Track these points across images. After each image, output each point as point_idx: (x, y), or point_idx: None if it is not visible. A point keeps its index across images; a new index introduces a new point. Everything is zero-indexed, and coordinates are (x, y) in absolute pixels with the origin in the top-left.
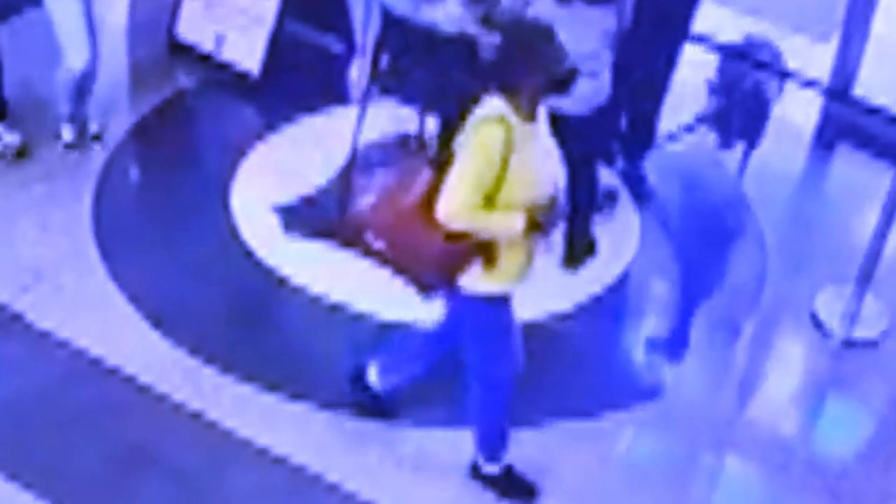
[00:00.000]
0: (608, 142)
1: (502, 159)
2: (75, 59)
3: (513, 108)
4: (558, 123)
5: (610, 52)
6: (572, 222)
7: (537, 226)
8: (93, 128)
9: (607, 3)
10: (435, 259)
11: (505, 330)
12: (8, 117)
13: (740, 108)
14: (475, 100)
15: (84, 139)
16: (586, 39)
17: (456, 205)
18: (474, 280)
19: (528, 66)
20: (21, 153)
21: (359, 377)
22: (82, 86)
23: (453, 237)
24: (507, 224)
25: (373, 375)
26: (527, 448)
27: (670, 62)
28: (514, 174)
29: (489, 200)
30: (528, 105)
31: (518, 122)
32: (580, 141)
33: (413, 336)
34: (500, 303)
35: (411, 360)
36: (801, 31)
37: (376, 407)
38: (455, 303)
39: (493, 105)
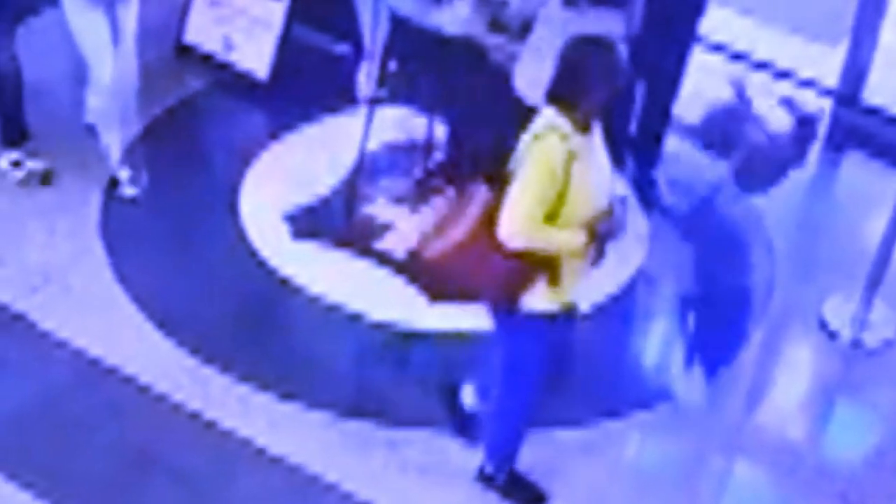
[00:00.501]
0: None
1: (563, 173)
2: (103, 73)
3: (570, 120)
4: None
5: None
6: None
7: (595, 239)
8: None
9: (614, 6)
10: (498, 279)
11: (547, 348)
12: (28, 140)
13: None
14: (522, 117)
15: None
16: None
17: (518, 223)
18: (534, 298)
19: (588, 79)
20: (45, 180)
21: (452, 395)
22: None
23: (516, 255)
24: (568, 239)
25: (468, 397)
26: (535, 452)
27: (679, 66)
28: (574, 188)
29: (549, 216)
30: (584, 118)
31: (575, 135)
32: None
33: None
34: (550, 320)
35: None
36: (810, 37)
37: (464, 427)
38: (506, 321)
39: (550, 118)
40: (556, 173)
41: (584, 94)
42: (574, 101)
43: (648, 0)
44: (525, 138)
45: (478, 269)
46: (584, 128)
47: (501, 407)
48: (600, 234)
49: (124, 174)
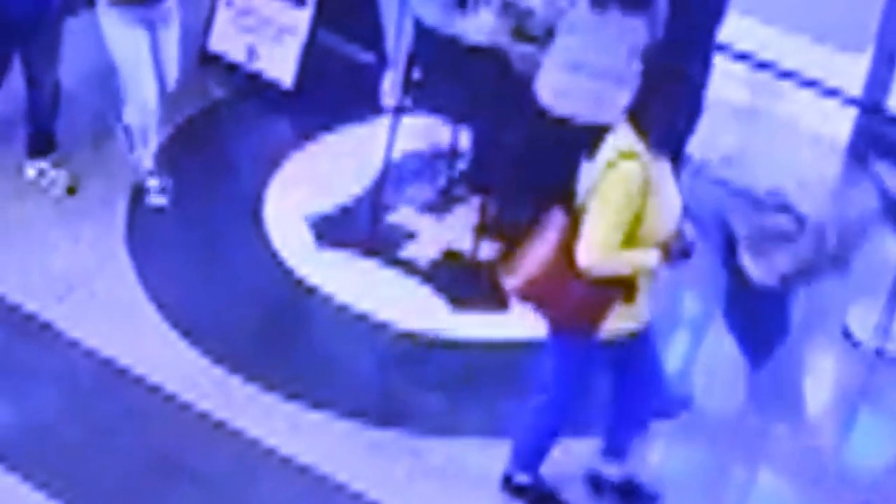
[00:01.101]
0: None
1: (641, 197)
2: (140, 91)
3: (645, 144)
4: (584, 135)
5: (638, 63)
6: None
7: (668, 259)
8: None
9: (641, 12)
10: (580, 306)
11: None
12: (56, 151)
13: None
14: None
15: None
16: (615, 53)
17: (597, 250)
18: (613, 320)
19: (671, 104)
20: (71, 190)
21: (596, 483)
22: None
23: (596, 281)
24: (645, 261)
25: (606, 469)
26: (558, 460)
27: (703, 72)
28: (651, 211)
29: (626, 239)
30: (659, 141)
31: (651, 158)
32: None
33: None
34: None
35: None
36: (835, 45)
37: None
38: (569, 341)
39: (628, 142)
40: (636, 198)
41: (665, 119)
42: (654, 126)
43: (671, 4)
44: (599, 161)
45: (559, 296)
46: (657, 151)
47: (541, 408)
48: (674, 255)
49: (153, 183)
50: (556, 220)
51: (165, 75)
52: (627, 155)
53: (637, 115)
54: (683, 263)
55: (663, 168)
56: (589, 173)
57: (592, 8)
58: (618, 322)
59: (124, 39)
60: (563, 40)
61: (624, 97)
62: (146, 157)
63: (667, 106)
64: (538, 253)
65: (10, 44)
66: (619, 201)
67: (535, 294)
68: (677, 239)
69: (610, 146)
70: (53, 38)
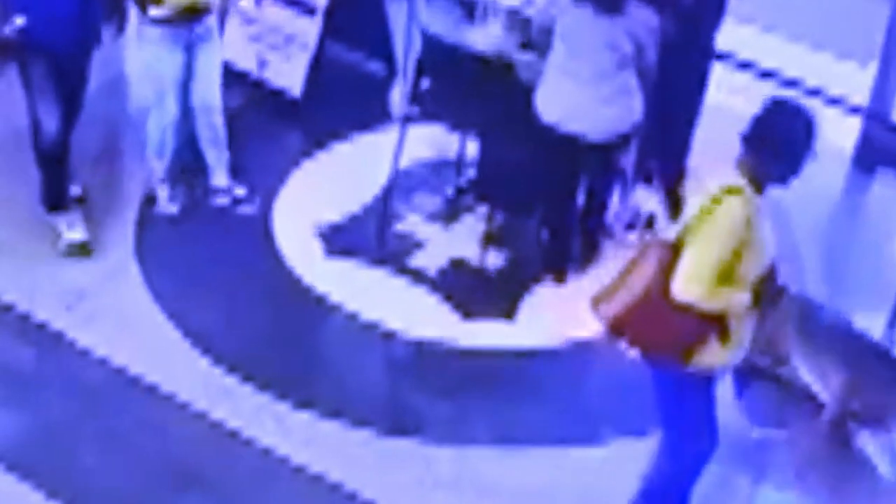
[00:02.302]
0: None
1: (743, 233)
2: (168, 109)
3: (749, 181)
4: (580, 149)
5: (633, 77)
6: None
7: (760, 297)
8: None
9: (615, 14)
10: (676, 336)
11: (711, 405)
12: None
13: None
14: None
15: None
16: (599, 60)
17: (695, 283)
18: (704, 355)
19: (785, 146)
20: (84, 249)
21: None
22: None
23: (691, 313)
24: (738, 300)
25: None
26: (570, 468)
27: (699, 87)
28: (749, 248)
29: (723, 275)
30: (762, 179)
31: (754, 196)
32: (601, 167)
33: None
34: (713, 378)
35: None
36: (840, 55)
37: None
38: (670, 380)
39: (732, 178)
40: (738, 235)
41: (776, 160)
42: (764, 166)
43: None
44: (702, 195)
45: (653, 328)
46: (759, 187)
47: (668, 469)
48: (766, 299)
49: (163, 193)
50: (652, 252)
51: (209, 92)
52: (733, 191)
53: (749, 154)
54: (774, 308)
55: (762, 206)
56: (694, 203)
57: (596, 16)
58: (710, 358)
59: (162, 57)
60: (559, 48)
61: (617, 112)
62: (159, 168)
63: (783, 148)
64: (634, 285)
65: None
66: (722, 237)
67: (629, 325)
68: (770, 280)
69: (718, 179)
70: (83, 71)
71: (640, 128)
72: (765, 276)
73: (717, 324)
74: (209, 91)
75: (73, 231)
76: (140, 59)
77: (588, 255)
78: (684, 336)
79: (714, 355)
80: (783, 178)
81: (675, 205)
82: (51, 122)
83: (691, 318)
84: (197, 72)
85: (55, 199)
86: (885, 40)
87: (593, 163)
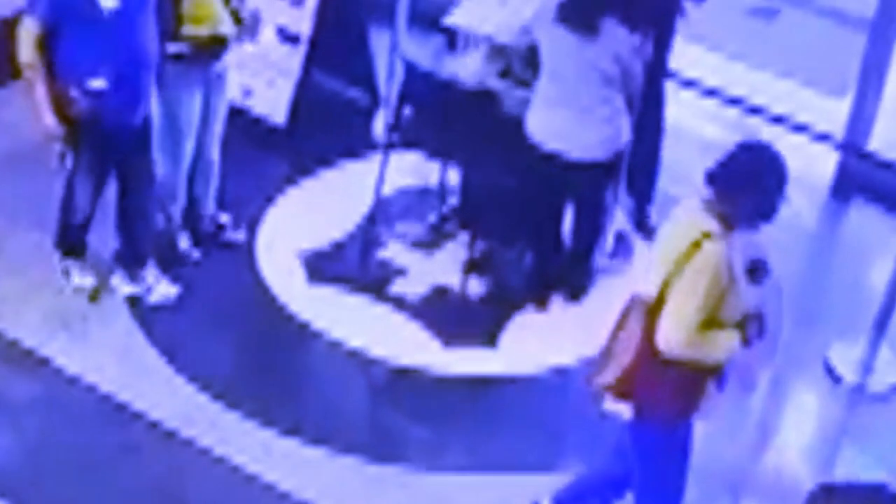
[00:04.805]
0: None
1: (726, 277)
2: (186, 148)
3: (719, 221)
4: (566, 171)
5: (620, 99)
6: (573, 264)
7: (747, 340)
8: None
9: (593, 35)
10: (675, 393)
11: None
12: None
13: None
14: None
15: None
16: (584, 82)
17: (681, 330)
18: (708, 405)
19: (757, 187)
20: (93, 297)
21: None
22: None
23: (685, 366)
24: (726, 343)
25: None
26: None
27: (658, 101)
28: (731, 290)
29: (707, 320)
30: (732, 221)
31: (726, 235)
32: (589, 190)
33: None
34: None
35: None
36: (816, 86)
37: None
38: (660, 439)
39: (702, 221)
40: (719, 280)
41: (745, 204)
42: (733, 208)
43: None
44: (678, 239)
45: (653, 386)
46: (731, 227)
47: None
48: (752, 335)
49: (184, 240)
50: (634, 312)
51: (217, 130)
52: (708, 235)
53: (716, 195)
54: (760, 342)
55: (737, 245)
56: (665, 251)
57: (554, 29)
58: (712, 408)
59: (182, 99)
60: (547, 72)
61: (608, 133)
62: (175, 213)
63: (750, 189)
64: (624, 346)
65: (106, 157)
66: (707, 284)
67: (629, 388)
68: (754, 319)
69: (689, 224)
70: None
71: (627, 150)
72: (748, 314)
73: (713, 372)
74: (217, 128)
75: (84, 278)
76: (159, 103)
77: (580, 283)
78: (685, 390)
79: (714, 403)
80: (754, 222)
81: (644, 227)
82: (85, 199)
83: (687, 371)
84: (210, 111)
85: (72, 246)
86: (861, 70)
87: (580, 186)
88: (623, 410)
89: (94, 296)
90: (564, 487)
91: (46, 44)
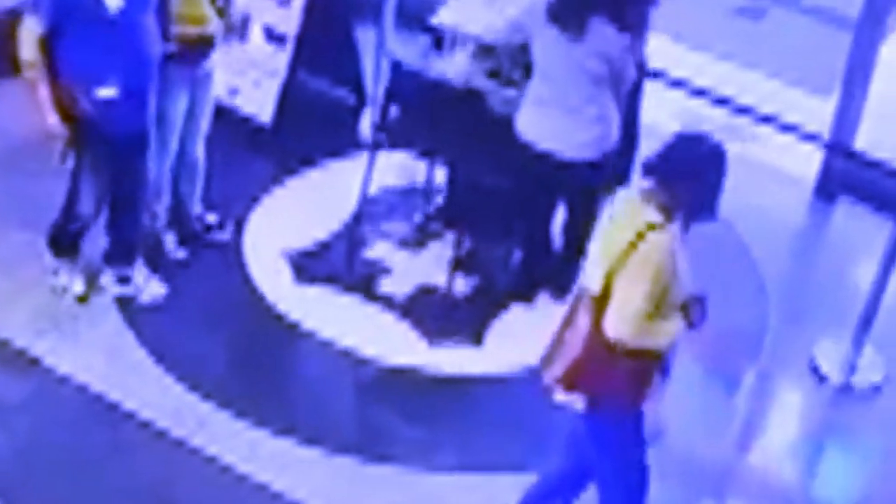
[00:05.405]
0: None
1: (671, 265)
2: (174, 146)
3: (661, 211)
4: (556, 170)
5: (610, 98)
6: (561, 263)
7: (691, 323)
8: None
9: (580, 36)
10: (625, 383)
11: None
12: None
13: None
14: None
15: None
16: (573, 82)
17: (631, 321)
18: (652, 393)
19: (699, 178)
20: (83, 300)
21: None
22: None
23: (635, 356)
24: (674, 329)
25: None
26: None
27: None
28: (676, 277)
29: (654, 309)
30: (671, 211)
31: (668, 225)
32: (583, 185)
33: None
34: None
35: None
36: (802, 85)
37: None
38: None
39: (646, 212)
40: (666, 269)
41: (684, 194)
42: (672, 199)
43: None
44: (622, 231)
45: (603, 378)
46: (672, 217)
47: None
48: (696, 318)
49: (170, 239)
50: (582, 305)
51: (201, 128)
52: (652, 226)
53: (657, 185)
54: (703, 324)
55: (676, 233)
56: (608, 243)
57: (546, 29)
58: (655, 396)
59: (169, 97)
60: (540, 73)
61: (601, 131)
62: (161, 211)
63: (698, 179)
64: (573, 338)
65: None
66: (653, 273)
67: (579, 381)
68: (696, 302)
69: (633, 215)
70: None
71: (619, 147)
72: (689, 298)
73: (658, 360)
74: (202, 127)
75: (75, 283)
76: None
77: (567, 281)
78: (633, 378)
79: (658, 391)
80: (695, 212)
81: None
82: (89, 202)
83: (635, 359)
84: (196, 110)
85: (66, 247)
86: (846, 69)
87: (571, 185)
88: (575, 402)
89: (82, 299)
90: (529, 490)
91: (49, 44)
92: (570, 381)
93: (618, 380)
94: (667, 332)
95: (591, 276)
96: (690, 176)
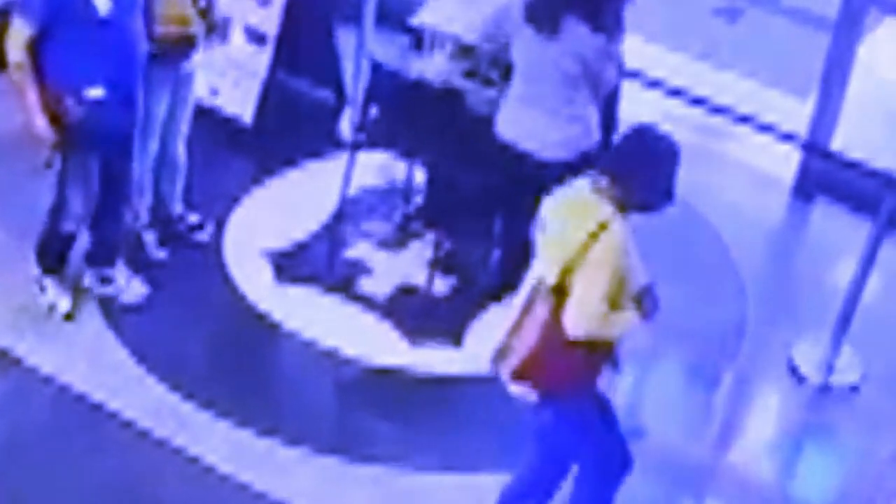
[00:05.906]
0: None
1: (624, 260)
2: (155, 145)
3: (614, 203)
4: (536, 169)
5: (589, 97)
6: None
7: (645, 314)
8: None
9: (554, 35)
10: (576, 373)
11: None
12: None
13: None
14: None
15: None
16: (549, 81)
17: (590, 317)
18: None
19: (650, 170)
20: (69, 318)
21: None
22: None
23: (586, 347)
24: (627, 320)
25: None
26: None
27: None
28: (629, 270)
29: (610, 302)
30: (628, 203)
31: (621, 219)
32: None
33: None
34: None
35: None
36: (780, 86)
37: None
38: (566, 407)
39: (600, 208)
40: (621, 264)
41: (645, 185)
42: (630, 190)
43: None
44: (573, 228)
45: (555, 369)
46: (625, 210)
47: (591, 484)
48: (649, 309)
49: (150, 238)
50: (538, 301)
51: (182, 127)
52: (605, 225)
53: (610, 180)
54: (656, 314)
55: (628, 226)
56: (559, 240)
57: (524, 28)
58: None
59: (152, 95)
60: (519, 74)
61: (579, 131)
62: (143, 210)
63: (649, 172)
64: (527, 332)
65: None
66: (608, 270)
67: (534, 371)
68: (648, 292)
69: (584, 210)
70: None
71: (597, 148)
72: (642, 289)
73: (607, 350)
74: (183, 127)
75: (62, 300)
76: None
77: None
78: (587, 368)
79: (610, 379)
80: (647, 205)
81: None
82: (78, 205)
83: (588, 351)
84: (177, 111)
85: (53, 262)
86: (824, 70)
87: (550, 185)
88: (527, 393)
89: (69, 317)
90: (503, 490)
91: (38, 46)
92: (526, 372)
93: (571, 369)
94: (624, 323)
95: (545, 269)
96: (642, 168)
